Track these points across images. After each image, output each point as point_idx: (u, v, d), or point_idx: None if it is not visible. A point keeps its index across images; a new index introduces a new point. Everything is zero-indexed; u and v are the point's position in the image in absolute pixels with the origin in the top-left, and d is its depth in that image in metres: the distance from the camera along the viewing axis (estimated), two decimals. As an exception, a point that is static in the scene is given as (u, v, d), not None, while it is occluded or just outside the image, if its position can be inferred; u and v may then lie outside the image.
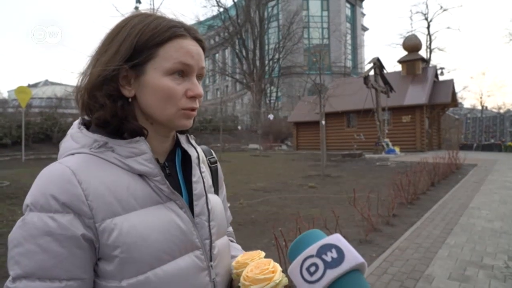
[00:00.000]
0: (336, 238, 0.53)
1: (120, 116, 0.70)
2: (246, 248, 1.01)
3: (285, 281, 0.73)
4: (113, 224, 0.64)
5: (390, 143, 19.39)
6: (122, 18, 0.74)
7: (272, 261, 0.76)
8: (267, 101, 44.76)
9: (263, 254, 0.82)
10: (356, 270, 0.50)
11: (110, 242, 0.63)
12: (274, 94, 46.99)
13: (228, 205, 1.02)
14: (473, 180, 9.90)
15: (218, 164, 0.96)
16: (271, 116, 29.05)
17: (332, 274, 0.48)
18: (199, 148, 0.89)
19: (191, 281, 0.71)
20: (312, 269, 0.50)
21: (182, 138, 0.84)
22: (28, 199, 0.63)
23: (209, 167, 0.92)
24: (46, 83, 47.03)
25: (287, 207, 6.55)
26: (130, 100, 0.72)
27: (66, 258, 0.60)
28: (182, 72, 0.72)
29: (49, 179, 0.63)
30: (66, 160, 0.67)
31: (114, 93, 0.70)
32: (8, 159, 15.91)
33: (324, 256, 0.50)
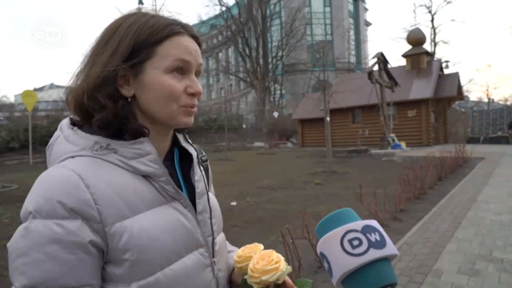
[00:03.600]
0: (377, 224, 0.55)
1: (121, 116, 0.69)
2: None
3: (289, 269, 0.76)
4: (122, 227, 0.63)
5: (395, 138, 19.27)
6: (116, 17, 0.73)
7: (274, 251, 0.79)
8: (271, 99, 44.64)
9: (261, 246, 0.85)
10: (387, 259, 0.52)
11: (121, 246, 0.62)
12: (278, 92, 46.83)
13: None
14: (480, 173, 9.82)
15: (208, 162, 0.97)
16: (275, 114, 29.00)
17: (375, 253, 0.50)
18: (195, 147, 0.90)
19: (197, 278, 0.72)
20: (355, 242, 0.51)
21: (181, 137, 0.84)
22: (29, 206, 0.60)
23: (201, 165, 0.93)
24: (52, 86, 47.49)
25: (294, 205, 6.55)
26: (129, 99, 0.71)
27: (75, 265, 0.59)
28: (181, 69, 0.71)
29: (53, 184, 0.61)
30: (68, 164, 0.65)
31: (114, 94, 0.69)
32: (16, 162, 16.09)
33: (368, 235, 0.52)
